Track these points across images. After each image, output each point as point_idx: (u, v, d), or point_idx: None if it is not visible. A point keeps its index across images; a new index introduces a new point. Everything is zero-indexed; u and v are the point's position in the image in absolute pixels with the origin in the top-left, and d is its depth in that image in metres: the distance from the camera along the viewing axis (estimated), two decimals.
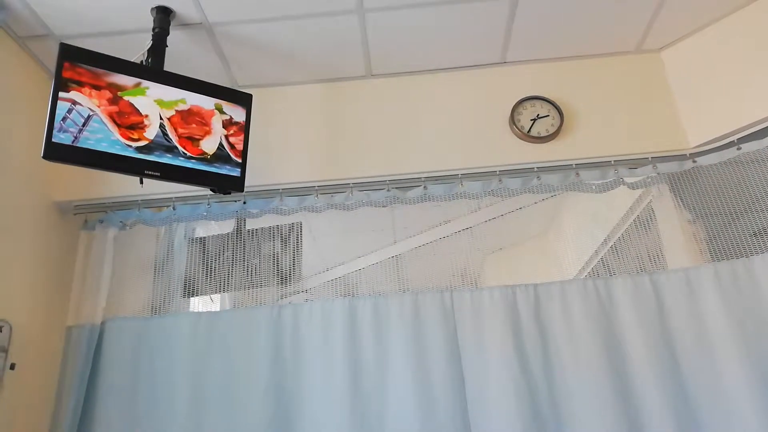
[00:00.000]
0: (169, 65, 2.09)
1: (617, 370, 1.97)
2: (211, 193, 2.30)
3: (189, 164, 1.96)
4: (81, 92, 1.82)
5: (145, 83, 1.93)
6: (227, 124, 2.06)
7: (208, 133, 2.02)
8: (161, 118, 1.94)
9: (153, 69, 1.99)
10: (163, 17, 2.07)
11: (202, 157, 1.99)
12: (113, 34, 2.17)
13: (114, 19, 2.10)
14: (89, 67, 1.84)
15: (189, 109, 1.99)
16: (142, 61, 2.02)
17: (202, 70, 2.37)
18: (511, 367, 1.99)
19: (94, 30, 2.14)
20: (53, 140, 1.75)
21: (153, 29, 2.06)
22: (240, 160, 2.07)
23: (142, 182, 2.11)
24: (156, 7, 2.05)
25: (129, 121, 1.88)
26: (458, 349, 2.06)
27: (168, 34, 2.09)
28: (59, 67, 1.80)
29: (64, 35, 2.15)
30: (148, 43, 2.05)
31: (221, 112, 2.06)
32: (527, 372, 1.99)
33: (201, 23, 2.15)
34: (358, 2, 2.10)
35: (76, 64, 1.82)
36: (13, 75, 2.13)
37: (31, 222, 2.15)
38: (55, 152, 1.76)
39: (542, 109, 2.37)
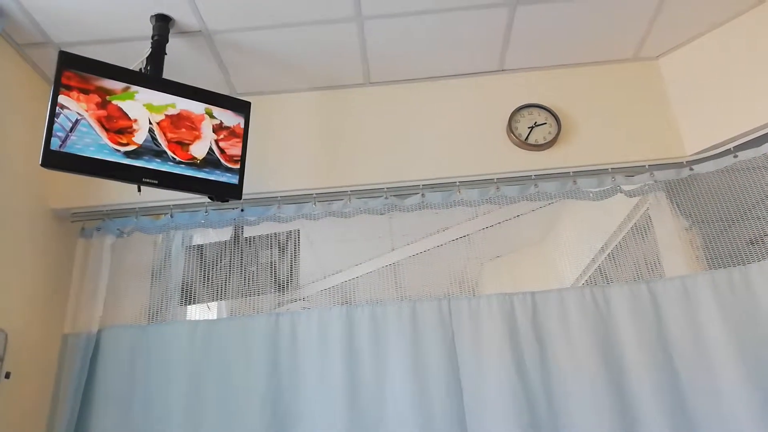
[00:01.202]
0: (168, 73, 2.09)
1: (615, 377, 1.97)
2: (209, 200, 2.29)
3: (178, 169, 1.95)
4: (69, 96, 1.80)
5: (134, 87, 1.92)
6: (217, 128, 2.05)
7: (197, 137, 2.01)
8: (150, 123, 1.92)
9: (150, 76, 1.99)
10: (163, 25, 2.07)
11: (192, 162, 1.98)
12: (112, 42, 2.17)
13: (113, 27, 2.10)
14: (80, 72, 1.83)
15: (179, 114, 1.98)
16: (141, 69, 2.02)
17: (201, 77, 2.37)
18: (509, 375, 1.99)
19: (93, 38, 2.14)
20: (51, 148, 1.75)
21: (152, 37, 2.07)
22: (231, 165, 2.06)
23: (140, 190, 2.10)
24: (155, 15, 2.06)
25: (117, 126, 1.86)
26: (456, 357, 2.06)
27: (167, 41, 2.09)
28: (58, 75, 1.79)
29: (63, 43, 2.15)
30: (147, 50, 2.05)
31: (211, 116, 2.05)
32: (525, 380, 1.99)
33: (200, 31, 2.15)
34: (356, 10, 2.11)
35: (75, 71, 1.82)
36: (12, 82, 2.13)
37: (28, 229, 2.14)
38: (54, 160, 1.76)
39: (540, 116, 2.37)
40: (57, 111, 1.78)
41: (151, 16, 2.06)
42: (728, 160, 2.18)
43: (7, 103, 2.08)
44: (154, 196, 2.30)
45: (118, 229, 2.37)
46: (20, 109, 2.15)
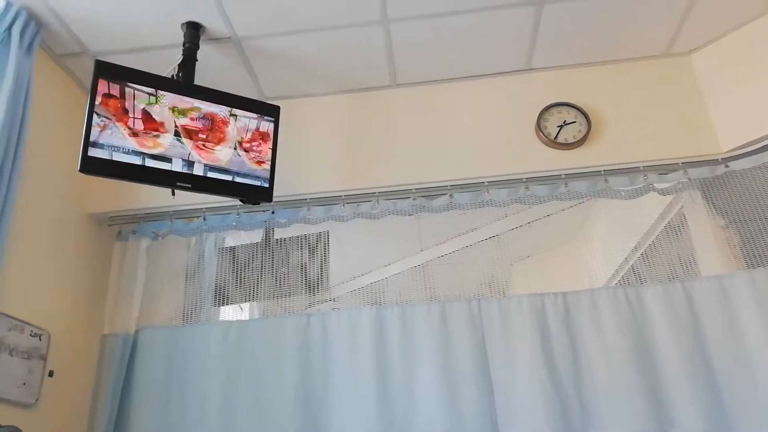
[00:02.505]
0: (200, 79, 2.14)
1: (649, 379, 1.93)
2: (241, 203, 2.34)
3: (203, 171, 1.99)
4: (97, 101, 1.85)
5: (160, 92, 1.96)
6: (242, 131, 2.09)
7: (222, 140, 2.04)
8: (176, 126, 1.97)
9: (176, 81, 2.04)
10: (193, 32, 2.12)
11: (217, 164, 2.02)
12: (145, 50, 2.23)
13: (146, 36, 2.16)
14: (113, 79, 1.87)
15: (203, 117, 2.02)
16: (173, 76, 2.07)
17: (231, 82, 2.41)
18: (540, 377, 1.97)
19: (127, 46, 2.21)
20: (89, 154, 1.81)
21: (183, 44, 2.12)
22: (255, 167, 2.09)
23: (173, 193, 2.15)
24: (186, 23, 2.11)
25: (144, 129, 1.91)
26: (486, 358, 2.05)
27: (198, 48, 2.14)
28: (95, 83, 1.85)
29: (99, 52, 2.21)
30: (179, 57, 2.10)
31: (236, 119, 2.08)
32: (557, 381, 1.97)
33: (230, 37, 2.19)
34: (382, 13, 2.12)
35: (108, 79, 1.87)
36: (51, 92, 2.21)
37: (68, 234, 2.21)
38: (92, 166, 1.82)
39: (569, 115, 2.35)
40: None
41: (182, 24, 2.11)
42: (765, 156, 2.13)
43: (47, 112, 2.16)
44: (186, 199, 2.35)
45: (153, 232, 2.43)
46: (59, 118, 2.23)
